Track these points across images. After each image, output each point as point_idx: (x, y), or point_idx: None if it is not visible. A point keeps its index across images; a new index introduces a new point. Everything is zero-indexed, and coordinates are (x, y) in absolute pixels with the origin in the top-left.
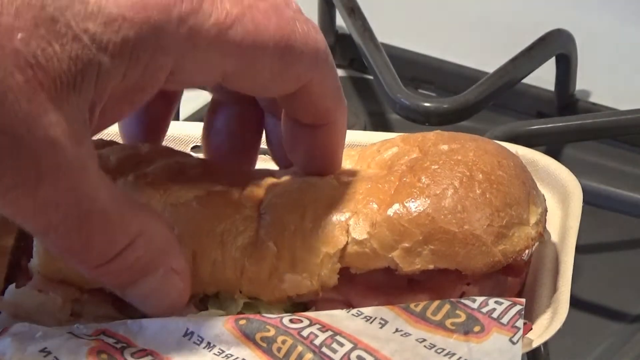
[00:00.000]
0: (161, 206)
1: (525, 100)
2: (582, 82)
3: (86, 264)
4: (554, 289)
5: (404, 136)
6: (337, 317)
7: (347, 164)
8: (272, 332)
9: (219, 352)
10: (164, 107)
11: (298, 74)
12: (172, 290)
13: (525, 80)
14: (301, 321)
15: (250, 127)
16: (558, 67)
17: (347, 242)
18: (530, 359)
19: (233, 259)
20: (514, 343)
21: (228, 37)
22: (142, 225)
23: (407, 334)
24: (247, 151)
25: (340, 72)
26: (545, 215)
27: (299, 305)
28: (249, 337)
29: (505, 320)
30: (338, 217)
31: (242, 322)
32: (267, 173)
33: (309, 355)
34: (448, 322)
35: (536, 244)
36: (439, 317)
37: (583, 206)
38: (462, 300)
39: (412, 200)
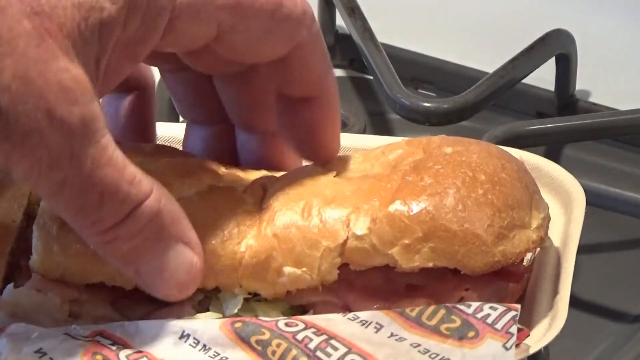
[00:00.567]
0: None
1: (525, 100)
2: (582, 82)
3: (96, 226)
4: (554, 295)
5: (409, 140)
6: (333, 320)
7: (351, 164)
8: (267, 335)
9: (214, 354)
10: (142, 100)
11: (289, 32)
12: (185, 263)
13: (525, 80)
14: (296, 325)
15: (227, 146)
16: (558, 67)
17: (347, 236)
18: (530, 359)
19: (233, 252)
20: (507, 349)
21: None
22: (153, 189)
23: (401, 339)
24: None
25: (340, 72)
26: (548, 221)
27: (297, 308)
28: (244, 340)
29: (499, 326)
30: (339, 212)
31: (238, 324)
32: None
33: (303, 358)
34: (443, 327)
35: (537, 249)
36: (434, 322)
37: None
38: (458, 306)
39: (414, 197)
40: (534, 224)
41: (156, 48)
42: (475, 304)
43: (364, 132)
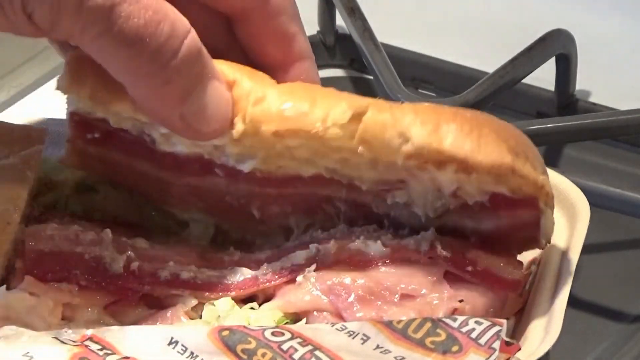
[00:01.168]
0: None
1: (525, 100)
2: (582, 82)
3: (151, 64)
4: (550, 309)
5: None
6: (320, 330)
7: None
8: (253, 345)
9: None
10: None
11: None
12: (222, 98)
13: (525, 80)
14: (283, 334)
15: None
16: (558, 67)
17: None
18: None
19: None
20: None
21: None
22: (189, 26)
23: (387, 351)
24: None
25: (340, 72)
26: (552, 198)
27: (291, 315)
28: (230, 348)
29: (483, 340)
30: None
31: (225, 333)
32: None
33: None
34: (428, 341)
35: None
36: (419, 334)
37: None
38: (444, 319)
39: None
40: (539, 171)
41: None
42: (461, 318)
43: None
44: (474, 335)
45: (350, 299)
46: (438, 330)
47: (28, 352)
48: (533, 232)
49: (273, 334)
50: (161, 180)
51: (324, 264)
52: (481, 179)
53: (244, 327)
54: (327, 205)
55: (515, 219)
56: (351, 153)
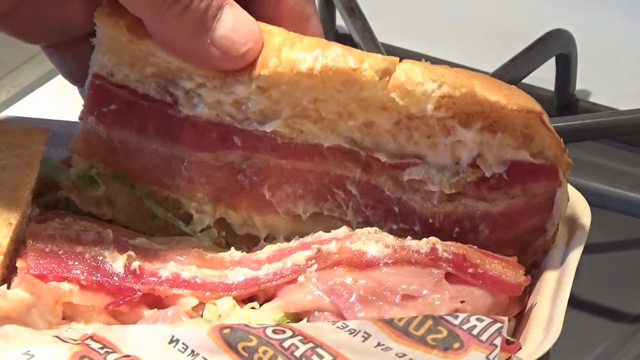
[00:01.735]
0: None
1: None
2: (582, 82)
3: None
4: (550, 309)
5: None
6: (321, 328)
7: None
8: (254, 342)
9: None
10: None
11: None
12: (248, 18)
13: (525, 80)
14: (284, 332)
15: None
16: (558, 67)
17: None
18: None
19: None
20: None
21: None
22: None
23: (388, 348)
24: None
25: None
26: (570, 164)
27: (292, 315)
28: (231, 346)
29: (484, 337)
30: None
31: (226, 331)
32: None
33: None
34: (429, 338)
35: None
36: (421, 332)
37: None
38: (445, 316)
39: None
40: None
41: None
42: (462, 315)
43: None
44: (475, 332)
45: (352, 299)
46: (439, 328)
47: (29, 351)
48: (544, 217)
49: (274, 331)
50: (172, 159)
51: (325, 264)
52: (505, 141)
53: (245, 325)
54: (338, 190)
55: (529, 198)
56: (380, 109)
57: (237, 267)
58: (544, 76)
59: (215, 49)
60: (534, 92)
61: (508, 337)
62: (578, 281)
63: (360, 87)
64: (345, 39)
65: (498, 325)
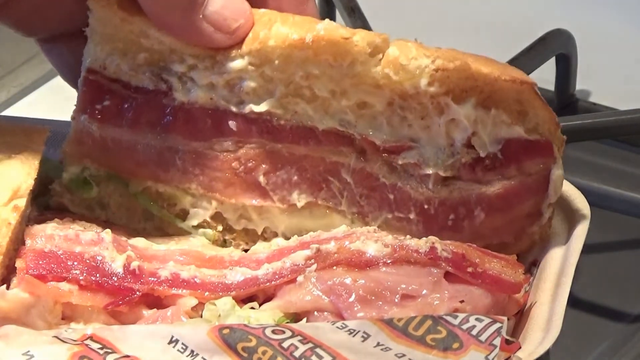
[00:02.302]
0: None
1: None
2: (582, 82)
3: None
4: (550, 309)
5: None
6: (321, 329)
7: None
8: (253, 343)
9: None
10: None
11: None
12: None
13: None
14: (283, 332)
15: None
16: (558, 67)
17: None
18: None
19: None
20: None
21: None
22: None
23: (387, 349)
24: None
25: None
26: (564, 140)
27: (291, 315)
28: (230, 347)
29: (483, 337)
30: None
31: (226, 331)
32: None
33: None
34: (429, 338)
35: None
36: (420, 332)
37: None
38: (444, 316)
39: None
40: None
41: None
42: (461, 315)
43: None
44: (474, 332)
45: (351, 299)
46: (439, 328)
47: (28, 351)
48: (539, 199)
49: (273, 331)
50: (166, 151)
51: (324, 263)
52: (499, 117)
53: (244, 325)
54: (333, 178)
55: (524, 178)
56: (373, 87)
57: (236, 267)
58: (544, 76)
59: (207, 24)
60: None
61: (507, 337)
62: (578, 281)
63: (353, 60)
64: None
65: (497, 325)
